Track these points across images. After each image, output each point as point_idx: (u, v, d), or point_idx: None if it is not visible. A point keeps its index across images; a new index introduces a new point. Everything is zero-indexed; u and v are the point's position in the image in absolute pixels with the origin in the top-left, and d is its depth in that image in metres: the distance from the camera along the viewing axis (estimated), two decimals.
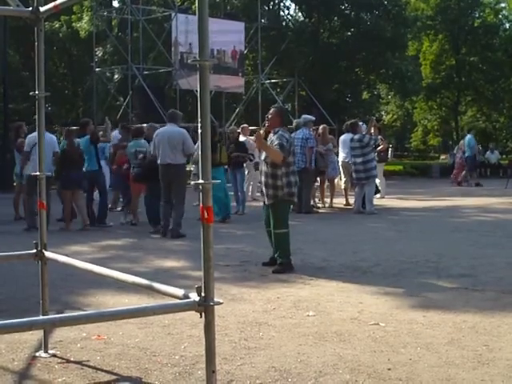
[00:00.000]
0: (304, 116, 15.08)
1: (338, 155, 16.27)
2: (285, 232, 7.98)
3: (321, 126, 16.27)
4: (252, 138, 16.70)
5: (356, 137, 14.50)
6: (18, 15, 4.78)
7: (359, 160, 14.30)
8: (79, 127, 14.34)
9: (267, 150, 7.97)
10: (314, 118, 15.22)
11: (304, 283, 7.24)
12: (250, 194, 17.40)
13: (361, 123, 15.69)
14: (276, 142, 7.88)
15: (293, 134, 13.57)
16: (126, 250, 9.73)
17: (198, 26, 3.11)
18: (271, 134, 8.11)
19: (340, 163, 16.24)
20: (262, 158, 8.17)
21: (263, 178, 8.06)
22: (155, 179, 11.04)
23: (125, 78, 31.26)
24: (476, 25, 41.99)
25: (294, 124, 15.17)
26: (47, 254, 4.63)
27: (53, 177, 11.02)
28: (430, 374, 4.31)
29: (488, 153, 33.93)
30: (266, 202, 8.07)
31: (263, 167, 8.09)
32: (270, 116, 8.17)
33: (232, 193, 14.38)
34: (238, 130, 16.22)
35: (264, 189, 8.06)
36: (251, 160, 15.01)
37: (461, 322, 5.54)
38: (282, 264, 7.89)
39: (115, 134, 14.73)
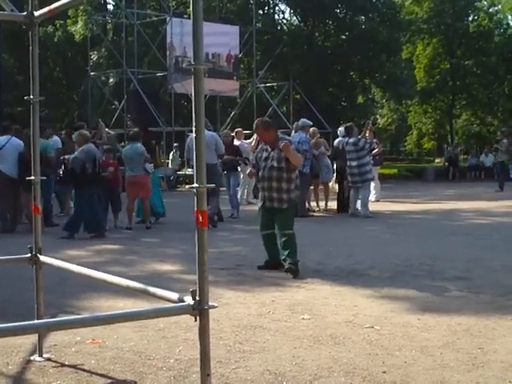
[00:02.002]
0: (302, 120, 15.08)
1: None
2: (293, 232, 8.16)
3: (311, 129, 16.19)
4: (247, 141, 16.67)
5: (351, 140, 14.50)
6: (12, 20, 4.76)
7: (354, 163, 14.31)
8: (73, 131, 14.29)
9: (292, 156, 8.05)
10: (311, 123, 15.21)
11: (299, 286, 7.24)
12: (244, 197, 17.40)
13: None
14: (292, 147, 8.23)
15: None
16: (121, 254, 9.72)
17: (193, 30, 3.11)
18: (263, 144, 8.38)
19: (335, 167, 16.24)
20: (275, 164, 8.06)
21: (275, 184, 8.07)
22: (82, 185, 11.43)
23: (120, 81, 31.27)
24: (471, 29, 42.06)
25: (295, 127, 15.22)
26: (42, 258, 4.62)
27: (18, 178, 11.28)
28: (425, 376, 4.32)
29: (483, 156, 34.08)
30: (278, 206, 8.09)
31: (274, 173, 8.07)
32: (259, 134, 8.61)
33: (227, 196, 14.45)
34: (232, 134, 16.22)
35: (275, 194, 8.08)
36: (246, 164, 15.01)
37: (456, 324, 5.55)
38: (296, 264, 7.90)
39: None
